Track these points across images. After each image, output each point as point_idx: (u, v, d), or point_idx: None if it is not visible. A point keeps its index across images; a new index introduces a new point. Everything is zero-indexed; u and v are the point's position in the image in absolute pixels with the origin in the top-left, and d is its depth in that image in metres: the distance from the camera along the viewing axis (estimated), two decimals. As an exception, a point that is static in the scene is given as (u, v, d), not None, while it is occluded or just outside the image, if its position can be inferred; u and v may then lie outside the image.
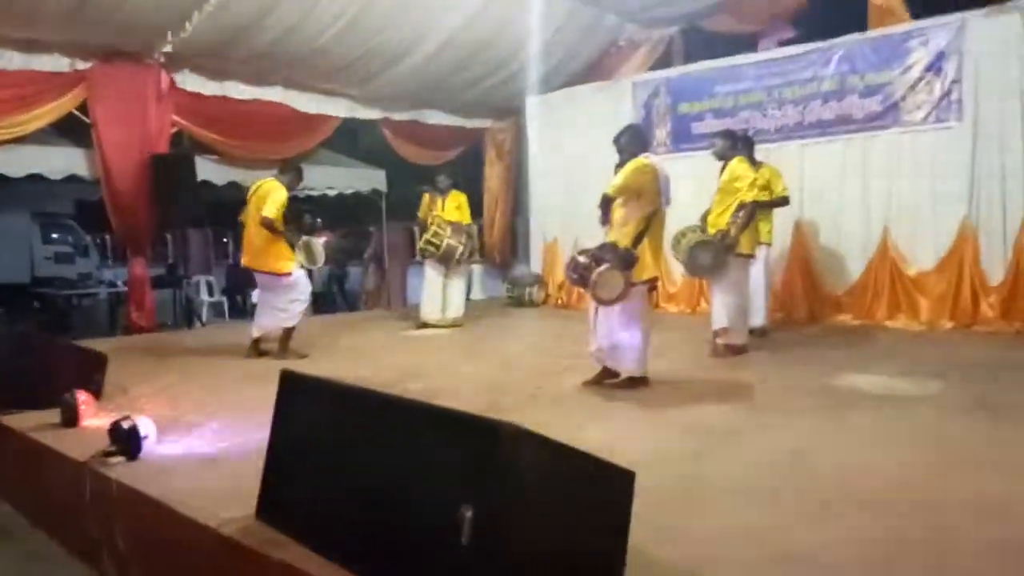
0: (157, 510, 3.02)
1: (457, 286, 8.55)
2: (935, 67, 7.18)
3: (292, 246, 6.30)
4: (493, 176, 11.90)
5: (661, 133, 9.24)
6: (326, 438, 2.55)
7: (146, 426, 3.61)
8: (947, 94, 7.13)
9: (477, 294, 11.68)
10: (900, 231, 7.47)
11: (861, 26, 7.98)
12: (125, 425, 3.53)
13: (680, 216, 6.48)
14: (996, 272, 6.85)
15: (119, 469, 3.40)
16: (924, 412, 4.24)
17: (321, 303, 11.61)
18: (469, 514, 1.95)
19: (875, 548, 2.47)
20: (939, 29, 7.18)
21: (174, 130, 8.57)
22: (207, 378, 5.68)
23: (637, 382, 4.95)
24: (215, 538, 2.68)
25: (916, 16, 7.68)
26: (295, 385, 2.74)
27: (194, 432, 4.04)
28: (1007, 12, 6.76)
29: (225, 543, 2.63)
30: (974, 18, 6.97)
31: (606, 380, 5.07)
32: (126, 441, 3.50)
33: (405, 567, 2.12)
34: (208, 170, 9.18)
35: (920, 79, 7.27)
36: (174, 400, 4.84)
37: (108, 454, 3.48)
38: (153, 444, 3.61)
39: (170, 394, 5.00)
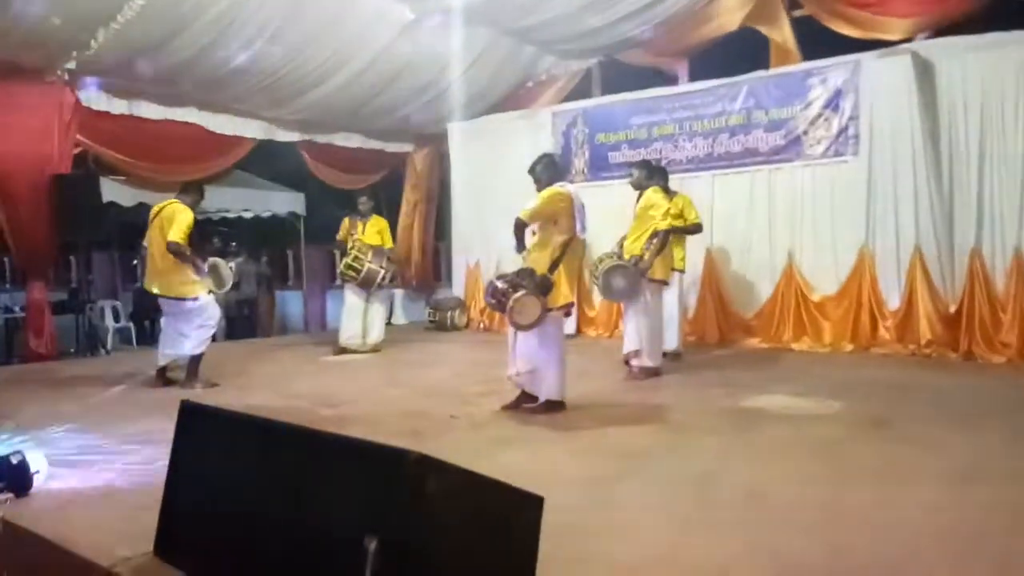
0: (48, 550, 2.86)
1: (378, 311, 8.46)
2: (833, 104, 7.61)
3: (198, 270, 6.09)
4: (413, 201, 11.88)
5: (579, 162, 9.44)
6: (227, 471, 2.48)
7: (37, 461, 3.41)
8: (844, 130, 7.56)
9: (399, 318, 11.58)
10: (804, 258, 7.83)
11: (765, 64, 8.40)
12: (14, 460, 3.33)
13: (597, 242, 6.64)
14: (892, 297, 7.25)
15: (7, 507, 3.20)
16: (825, 430, 4.43)
17: (236, 328, 11.27)
18: (373, 545, 1.91)
19: (782, 565, 2.56)
20: (837, 68, 7.62)
21: (78, 150, 8.23)
22: (108, 408, 5.42)
23: (554, 406, 5.00)
24: (109, 578, 2.55)
25: (807, 57, 8.13)
26: (194, 417, 2.65)
27: (91, 466, 3.84)
28: (899, 54, 7.23)
29: (120, 583, 2.51)
30: (868, 59, 7.43)
31: (524, 404, 5.09)
32: (14, 477, 3.30)
33: (308, 602, 2.07)
34: (115, 191, 8.86)
35: (820, 115, 7.69)
36: (70, 432, 4.59)
37: (-6, 491, 3.28)
38: (44, 480, 3.42)
39: (65, 425, 4.74)
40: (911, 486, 3.40)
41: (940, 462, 3.74)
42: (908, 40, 7.58)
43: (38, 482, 3.37)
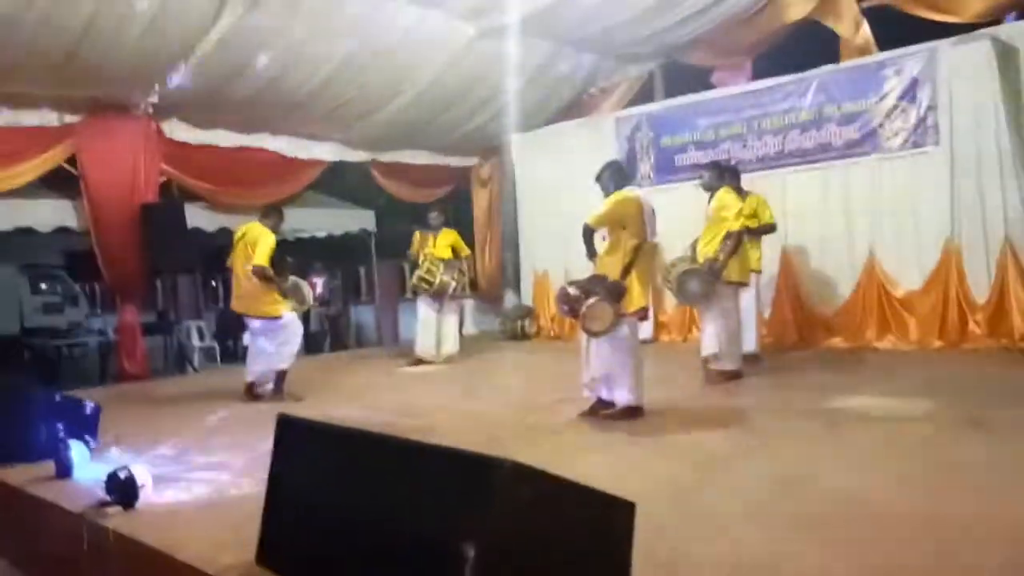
0: (156, 559, 3.00)
1: (451, 321, 8.58)
2: (909, 95, 7.36)
3: (283, 292, 6.33)
4: (481, 211, 12.02)
5: (645, 167, 9.38)
6: (324, 481, 2.56)
7: (142, 474, 3.59)
8: (923, 120, 7.30)
9: (470, 328, 11.70)
10: (885, 253, 7.58)
11: (833, 60, 8.19)
12: (121, 475, 3.52)
13: (668, 246, 6.58)
14: (981, 290, 6.95)
15: (116, 519, 3.37)
16: (917, 431, 4.28)
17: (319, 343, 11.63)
18: (471, 552, 1.95)
19: (881, 571, 2.49)
20: (910, 58, 7.37)
21: (163, 179, 8.63)
22: (202, 424, 5.65)
23: (632, 412, 4.97)
24: (216, 585, 2.67)
25: (880, 48, 7.89)
26: (291, 430, 2.75)
27: (191, 479, 4.02)
28: (976, 39, 6.96)
29: (226, 590, 2.62)
30: (944, 47, 7.16)
31: (601, 411, 5.08)
32: (122, 490, 3.48)
33: (409, 608, 2.12)
34: (198, 217, 9.24)
35: (895, 107, 7.44)
36: (170, 447, 4.81)
37: (104, 504, 3.47)
38: (150, 492, 3.60)
39: (166, 441, 4.97)
40: (1016, 489, 3.25)
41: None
42: (988, 24, 7.27)
43: (144, 495, 3.54)
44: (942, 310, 7.16)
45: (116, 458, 4.23)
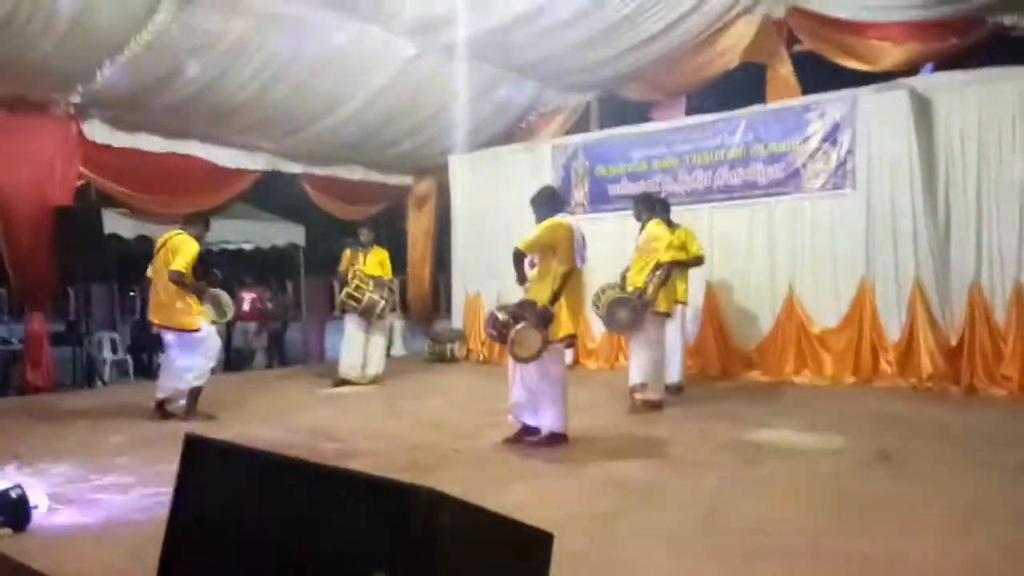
0: (46, 587, 2.81)
1: (378, 342, 8.43)
2: (831, 138, 7.69)
3: (200, 299, 6.10)
4: (415, 232, 11.94)
5: (579, 194, 9.50)
6: (231, 506, 2.43)
7: (36, 495, 3.38)
8: (843, 163, 7.63)
9: (399, 350, 11.56)
10: (804, 290, 7.84)
11: (760, 97, 8.51)
12: (13, 494, 3.30)
13: (600, 275, 6.64)
14: (893, 330, 7.25)
15: (5, 542, 3.16)
16: (829, 465, 4.40)
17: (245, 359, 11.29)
18: (382, 582, 1.89)
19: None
20: (833, 103, 7.71)
21: (81, 182, 8.27)
22: (106, 442, 5.37)
23: (556, 439, 4.96)
24: (108, 616, 2.51)
25: (805, 92, 8.25)
26: (199, 451, 2.61)
27: (91, 500, 3.80)
28: (895, 88, 7.33)
29: (119, 622, 2.47)
30: (865, 94, 7.52)
31: (526, 437, 5.06)
32: (14, 511, 3.26)
33: (314, 642, 2.03)
34: (117, 223, 8.90)
35: (818, 149, 7.76)
36: (70, 466, 4.55)
37: (-8, 526, 3.24)
38: (44, 515, 3.38)
39: (65, 459, 4.69)
40: (919, 524, 3.37)
41: (946, 500, 3.71)
42: (905, 74, 7.69)
43: (37, 517, 3.33)
44: (856, 348, 7.44)
45: (10, 476, 3.97)
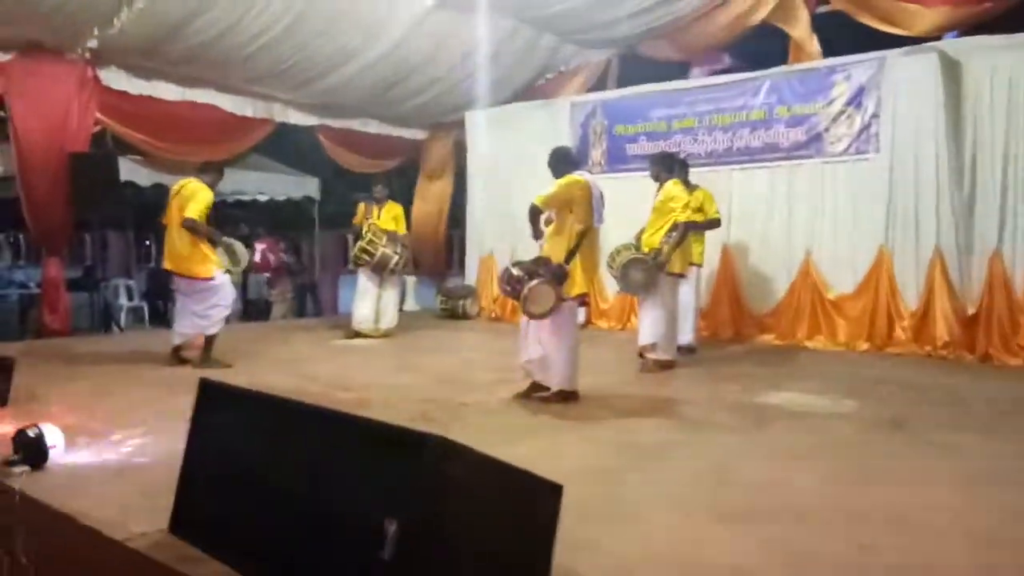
0: (63, 523, 2.86)
1: (391, 296, 8.46)
2: (856, 101, 7.52)
3: (214, 245, 6.12)
4: (430, 188, 11.86)
5: (597, 153, 9.39)
6: (245, 450, 2.47)
7: (53, 434, 3.42)
8: (866, 127, 7.47)
9: (411, 305, 11.58)
10: (821, 256, 7.76)
11: (785, 59, 8.31)
12: (31, 433, 3.35)
13: (615, 235, 6.59)
14: (910, 297, 7.18)
15: (23, 479, 3.21)
16: (840, 428, 4.40)
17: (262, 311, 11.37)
18: (393, 528, 1.91)
19: (795, 562, 2.54)
20: (860, 65, 7.52)
21: (97, 128, 8.25)
22: (123, 386, 5.44)
23: (567, 396, 4.98)
24: (124, 553, 2.55)
25: (830, 54, 8.04)
26: (213, 395, 2.65)
27: (106, 442, 3.86)
28: (925, 52, 7.13)
29: (135, 558, 2.51)
30: (893, 56, 7.33)
31: (536, 394, 5.08)
32: (31, 450, 3.32)
33: (325, 582, 2.07)
34: (132, 171, 8.89)
35: (842, 112, 7.60)
36: (86, 408, 4.61)
37: (11, 463, 3.29)
38: (61, 453, 3.43)
39: (82, 402, 4.76)
40: (929, 487, 3.37)
41: (957, 464, 3.71)
42: (935, 38, 7.48)
43: (54, 456, 3.38)
44: (871, 314, 7.37)
45: (29, 416, 4.04)
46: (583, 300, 5.07)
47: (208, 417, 2.65)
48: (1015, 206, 6.78)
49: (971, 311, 6.89)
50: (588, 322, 9.10)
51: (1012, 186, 6.80)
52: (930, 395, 5.38)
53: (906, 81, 7.19)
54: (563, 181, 4.91)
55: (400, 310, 9.36)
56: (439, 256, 12.06)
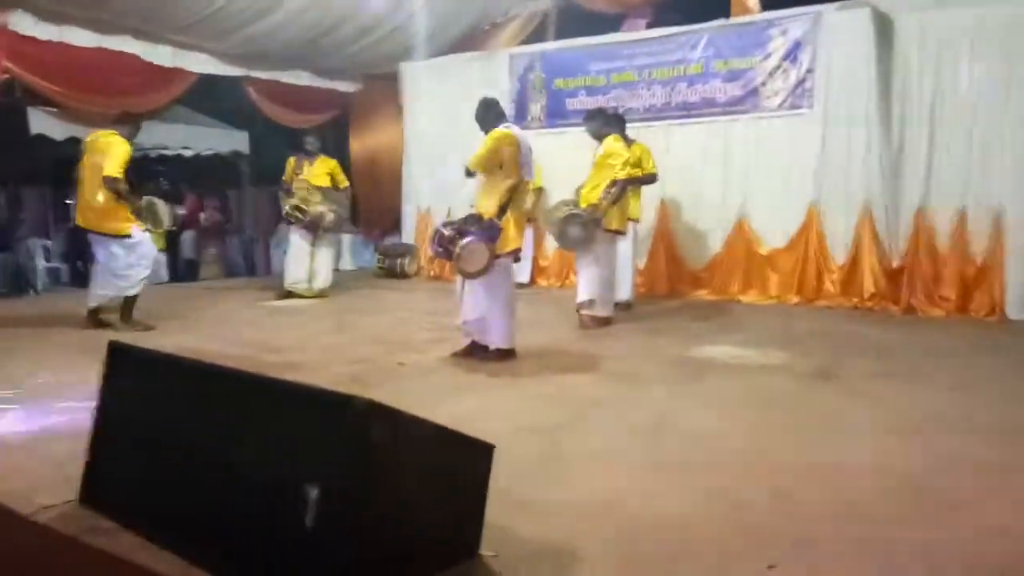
0: (-37, 498, 2.68)
1: (325, 255, 8.24)
2: (792, 56, 7.55)
3: (136, 209, 5.80)
4: (361, 142, 11.52)
5: (536, 108, 9.24)
6: (158, 416, 2.34)
7: (-45, 405, 3.20)
8: (801, 82, 7.53)
9: (347, 264, 11.34)
10: (755, 211, 7.85)
11: (725, 12, 8.27)
12: (-72, 403, 3.12)
13: (555, 191, 6.53)
14: (839, 252, 7.34)
15: (-80, 453, 3.01)
16: (772, 380, 4.48)
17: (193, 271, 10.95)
18: (315, 493, 1.82)
19: (728, 511, 2.56)
20: (797, 19, 7.54)
21: (4, 77, 7.68)
22: (35, 351, 5.17)
23: (504, 354, 4.93)
24: (31, 527, 2.40)
25: (765, 8, 8.04)
26: (123, 359, 2.49)
27: (14, 412, 3.65)
28: (859, 7, 7.17)
29: (43, 532, 2.37)
30: (829, 11, 7.36)
31: (474, 353, 5.02)
32: (-72, 421, 3.10)
33: (244, 552, 1.97)
34: (45, 123, 8.35)
35: (778, 67, 7.63)
36: (-6, 375, 4.36)
37: (-94, 436, 3.08)
38: (-38, 424, 3.22)
39: (-10, 368, 4.50)
40: (857, 435, 3.46)
41: (883, 412, 3.81)
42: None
43: (-44, 427, 3.17)
44: (802, 268, 7.54)
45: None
46: (516, 256, 4.99)
47: (119, 382, 2.50)
48: (940, 163, 6.95)
49: (896, 264, 7.09)
50: (533, 281, 9.04)
51: (938, 143, 6.96)
52: (857, 346, 5.53)
53: (840, 36, 7.26)
54: (491, 139, 4.78)
55: (336, 269, 9.14)
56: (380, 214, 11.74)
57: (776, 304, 7.54)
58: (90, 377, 3.21)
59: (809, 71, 7.46)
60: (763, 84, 7.72)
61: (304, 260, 8.03)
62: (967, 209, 6.83)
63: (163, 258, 9.59)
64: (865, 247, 7.15)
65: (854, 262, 7.23)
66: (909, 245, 7.06)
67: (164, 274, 9.92)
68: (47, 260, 9.58)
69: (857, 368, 4.77)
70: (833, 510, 2.58)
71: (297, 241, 8.00)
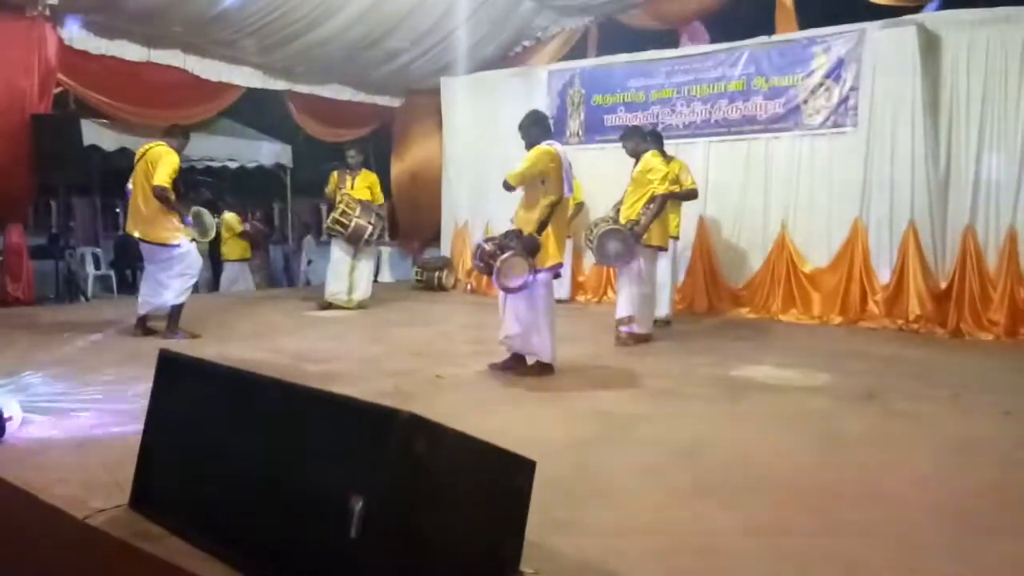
0: (20, 499, 2.76)
1: (365, 267, 8.34)
2: (835, 74, 7.48)
3: (182, 218, 5.95)
4: (402, 156, 11.66)
5: (574, 124, 9.27)
6: (205, 425, 2.38)
7: (10, 407, 3.31)
8: (844, 100, 7.44)
9: (386, 276, 11.46)
10: (797, 229, 7.77)
11: (767, 30, 8.23)
12: (-15, 406, 3.23)
13: (593, 206, 6.53)
14: (884, 272, 7.22)
15: (-22, 454, 3.11)
16: (813, 402, 4.41)
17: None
18: (359, 505, 1.84)
19: (768, 533, 2.52)
20: (840, 37, 7.47)
21: (59, 90, 7.96)
22: (87, 357, 5.30)
23: (543, 368, 4.94)
24: (83, 530, 2.47)
25: (804, 25, 7.97)
26: (172, 368, 2.55)
27: (67, 415, 3.74)
28: (904, 25, 7.08)
29: (93, 535, 2.43)
30: (872, 29, 7.28)
31: (513, 367, 5.03)
32: (-14, 423, 3.20)
33: (288, 561, 2.00)
34: (97, 134, 8.63)
35: (821, 85, 7.56)
36: (48, 379, 4.48)
37: (-35, 438, 3.18)
38: (18, 427, 3.32)
39: (42, 373, 4.62)
40: (900, 460, 3.38)
41: (929, 437, 3.73)
42: (915, 9, 7.44)
43: (11, 429, 3.27)
44: (845, 288, 7.41)
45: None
46: (557, 272, 5.00)
47: (168, 390, 2.56)
48: (989, 181, 6.81)
49: (944, 285, 6.94)
50: (572, 297, 9.03)
51: (986, 161, 6.82)
52: (902, 368, 5.42)
53: (885, 53, 7.16)
54: (533, 154, 4.80)
55: (375, 281, 9.24)
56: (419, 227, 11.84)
57: (818, 324, 7.43)
58: (141, 384, 3.31)
59: (852, 89, 7.38)
60: (805, 102, 7.65)
61: (344, 272, 8.13)
62: (1017, 227, 6.67)
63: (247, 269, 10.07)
64: (910, 267, 7.01)
65: (899, 282, 7.10)
66: (956, 265, 6.91)
67: (251, 283, 10.35)
68: (97, 268, 9.86)
69: (901, 391, 4.68)
70: (878, 535, 2.53)
71: (338, 253, 8.11)
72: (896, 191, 7.13)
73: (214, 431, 2.38)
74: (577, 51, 10.24)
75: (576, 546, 2.37)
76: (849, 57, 7.39)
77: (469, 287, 10.12)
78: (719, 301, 8.17)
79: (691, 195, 7.05)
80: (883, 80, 7.18)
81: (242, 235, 10.08)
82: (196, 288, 6.49)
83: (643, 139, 6.32)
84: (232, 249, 10.15)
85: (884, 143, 7.19)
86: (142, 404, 2.66)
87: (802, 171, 7.73)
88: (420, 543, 1.90)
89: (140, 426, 2.62)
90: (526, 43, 10.53)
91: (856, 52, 7.35)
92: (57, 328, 6.43)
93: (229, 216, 10.10)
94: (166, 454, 2.50)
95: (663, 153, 6.55)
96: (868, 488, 2.99)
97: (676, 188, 6.57)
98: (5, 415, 3.26)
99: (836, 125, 7.52)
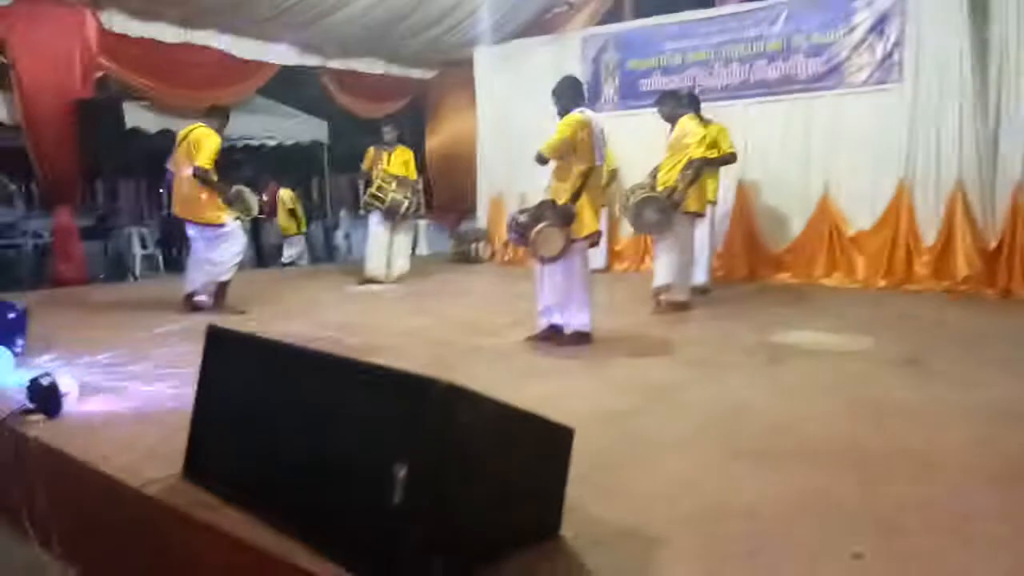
0: (78, 470, 2.89)
1: (403, 241, 8.42)
2: (878, 29, 7.25)
3: (226, 199, 6.07)
4: (437, 128, 11.65)
5: (609, 90, 9.16)
6: (254, 396, 2.46)
7: (67, 382, 3.44)
8: (888, 56, 7.22)
9: (423, 250, 11.54)
10: (839, 191, 7.59)
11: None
12: (44, 382, 3.37)
13: (629, 174, 6.47)
14: (929, 233, 7.04)
15: (39, 428, 3.24)
16: (856, 366, 4.35)
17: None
18: (402, 473, 1.89)
19: (810, 499, 2.52)
20: (884, -10, 7.22)
21: (100, 74, 8.12)
22: (137, 333, 5.46)
23: (581, 337, 4.95)
24: (139, 498, 2.57)
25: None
26: (222, 341, 2.63)
27: (122, 389, 3.88)
28: (950, -24, 6.82)
29: (149, 504, 2.53)
30: (918, -19, 7.02)
31: (551, 337, 5.05)
32: (45, 398, 3.34)
33: (335, 527, 2.07)
34: (139, 117, 8.78)
35: (863, 40, 7.33)
36: (101, 356, 4.63)
37: (27, 412, 3.32)
38: (75, 401, 3.46)
39: (96, 349, 4.78)
40: (945, 424, 3.33)
41: (974, 401, 3.65)
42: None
43: (68, 404, 3.41)
44: (890, 250, 7.25)
45: (42, 365, 4.07)
46: (595, 240, 4.98)
47: (217, 364, 2.64)
48: (1042, 136, 6.56)
49: (993, 245, 6.75)
50: (609, 266, 8.99)
51: (1039, 116, 6.57)
52: (948, 332, 5.31)
53: (930, 8, 6.91)
54: (564, 124, 4.76)
55: (412, 255, 9.32)
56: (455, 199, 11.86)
57: (862, 288, 7.29)
58: (189, 357, 3.41)
59: (896, 44, 7.15)
60: (848, 59, 7.43)
61: (383, 247, 8.22)
62: (1071, 185, 6.44)
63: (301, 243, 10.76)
64: (958, 227, 6.83)
65: (946, 243, 6.92)
66: (1007, 224, 6.69)
67: (305, 258, 10.97)
68: (143, 247, 10.11)
69: (948, 355, 4.58)
70: (920, 500, 2.51)
71: (376, 228, 8.18)
72: (943, 149, 6.93)
73: (261, 402, 2.45)
74: (613, 16, 10.06)
75: (615, 511, 2.40)
76: (893, 11, 7.15)
77: (506, 258, 10.15)
78: (759, 267, 8.06)
79: (730, 159, 6.94)
80: (929, 33, 6.94)
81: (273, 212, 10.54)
82: (240, 265, 6.63)
83: (679, 103, 6.21)
84: (290, 225, 10.59)
85: (930, 100, 6.97)
86: (192, 378, 2.75)
87: (845, 131, 7.53)
88: (461, 507, 1.94)
89: (190, 400, 2.72)
90: (558, 9, 10.37)
91: (900, 6, 7.10)
92: (108, 307, 6.64)
93: (284, 193, 10.74)
94: (216, 425, 2.58)
95: (700, 117, 6.44)
96: (912, 452, 2.96)
97: (713, 152, 6.47)
98: (62, 390, 3.39)
99: (880, 82, 7.30)
